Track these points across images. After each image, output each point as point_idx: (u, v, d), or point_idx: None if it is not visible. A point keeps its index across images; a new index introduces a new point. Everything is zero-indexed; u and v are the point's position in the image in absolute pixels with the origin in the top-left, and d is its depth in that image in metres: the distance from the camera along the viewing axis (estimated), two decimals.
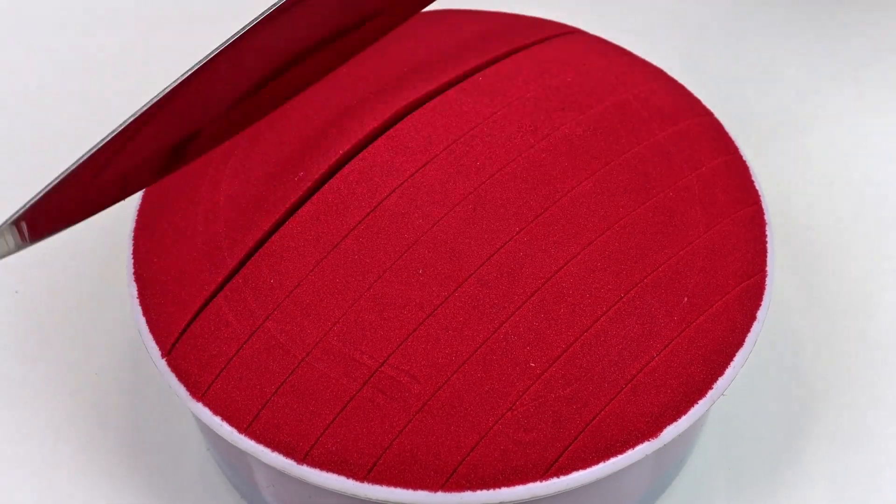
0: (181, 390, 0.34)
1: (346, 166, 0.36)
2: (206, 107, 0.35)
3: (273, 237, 0.35)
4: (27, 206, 0.32)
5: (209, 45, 0.36)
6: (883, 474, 0.40)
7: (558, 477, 0.33)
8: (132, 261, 0.37)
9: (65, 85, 0.50)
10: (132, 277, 0.36)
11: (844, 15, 0.52)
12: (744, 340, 0.35)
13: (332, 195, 0.36)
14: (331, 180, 0.36)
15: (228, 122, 0.36)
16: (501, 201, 0.35)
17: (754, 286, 0.35)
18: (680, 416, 0.34)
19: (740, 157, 0.38)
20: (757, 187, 0.38)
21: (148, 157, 0.34)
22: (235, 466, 0.38)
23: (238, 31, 0.34)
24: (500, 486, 0.32)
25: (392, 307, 0.34)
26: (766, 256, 0.36)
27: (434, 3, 0.39)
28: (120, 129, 0.33)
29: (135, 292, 0.36)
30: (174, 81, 0.34)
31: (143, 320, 0.35)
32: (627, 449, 0.33)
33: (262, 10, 0.35)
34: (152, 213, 0.37)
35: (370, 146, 0.36)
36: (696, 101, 0.39)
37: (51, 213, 0.33)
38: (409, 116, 0.37)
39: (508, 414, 0.33)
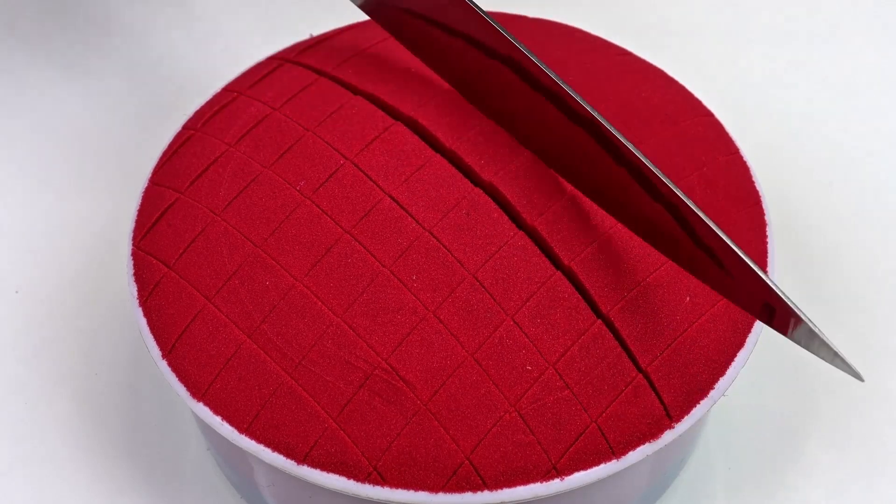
0: (181, 390, 0.34)
1: (341, 170, 0.36)
2: None
3: (269, 240, 0.35)
4: None
5: None
6: (882, 474, 0.40)
7: (559, 478, 0.33)
8: (132, 261, 0.37)
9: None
10: (132, 277, 0.36)
11: (844, 15, 0.52)
12: (745, 341, 0.35)
13: (328, 199, 0.35)
14: (326, 184, 0.36)
15: None
16: (498, 204, 0.35)
17: None
18: (680, 417, 0.33)
19: (740, 157, 0.38)
20: (757, 187, 0.38)
21: None
22: (235, 466, 0.38)
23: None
24: (501, 488, 0.32)
25: (386, 311, 0.34)
26: (766, 256, 0.36)
27: None
28: None
29: (135, 292, 0.36)
30: None
31: (143, 320, 0.35)
32: (628, 450, 0.33)
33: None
34: (152, 214, 0.37)
35: (365, 149, 0.36)
36: (697, 101, 0.39)
37: None
38: (404, 119, 0.37)
39: (506, 416, 0.33)
